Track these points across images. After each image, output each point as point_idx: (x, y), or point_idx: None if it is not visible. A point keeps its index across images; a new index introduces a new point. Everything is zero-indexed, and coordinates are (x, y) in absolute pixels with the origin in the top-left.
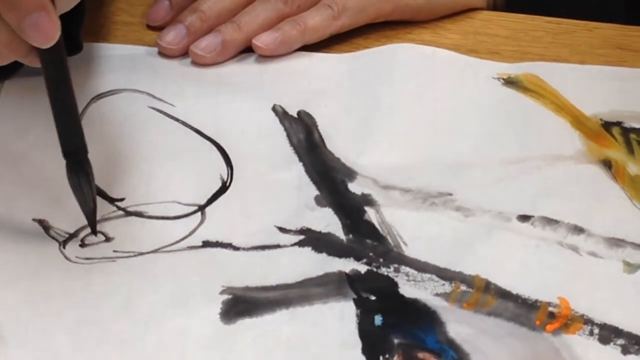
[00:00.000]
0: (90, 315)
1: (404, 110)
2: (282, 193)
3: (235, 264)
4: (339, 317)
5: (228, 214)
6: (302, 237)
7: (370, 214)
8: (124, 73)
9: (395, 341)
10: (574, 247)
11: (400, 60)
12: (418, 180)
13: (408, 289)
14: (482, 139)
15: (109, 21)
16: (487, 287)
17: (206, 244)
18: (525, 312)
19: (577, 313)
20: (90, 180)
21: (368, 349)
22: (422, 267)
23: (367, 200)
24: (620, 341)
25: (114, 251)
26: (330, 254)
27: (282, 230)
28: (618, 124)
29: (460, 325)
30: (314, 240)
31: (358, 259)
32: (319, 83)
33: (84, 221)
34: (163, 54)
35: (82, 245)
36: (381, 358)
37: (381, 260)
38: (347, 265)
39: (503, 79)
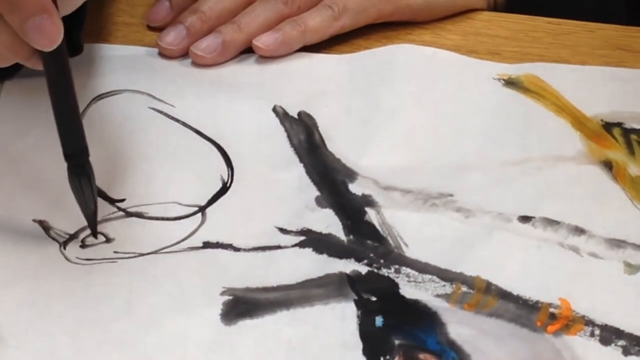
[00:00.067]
0: (91, 316)
1: (405, 111)
2: (282, 194)
3: (235, 265)
4: (340, 318)
5: (228, 215)
6: (302, 238)
7: (371, 214)
8: (125, 74)
9: (396, 342)
10: (575, 248)
11: (401, 61)
12: (419, 181)
13: (409, 290)
14: (482, 139)
15: (109, 22)
16: (488, 288)
17: (207, 245)
18: (526, 313)
19: (578, 314)
20: (91, 183)
21: (369, 350)
22: (422, 268)
23: (368, 201)
24: (621, 342)
25: (115, 252)
26: (331, 254)
27: (283, 231)
28: (619, 124)
29: (461, 326)
30: (314, 241)
31: (359, 260)
32: (320, 84)
33: (84, 222)
34: (163, 54)
35: (83, 246)
36: (382, 359)
37: (382, 261)
38: (348, 266)
39: (503, 79)
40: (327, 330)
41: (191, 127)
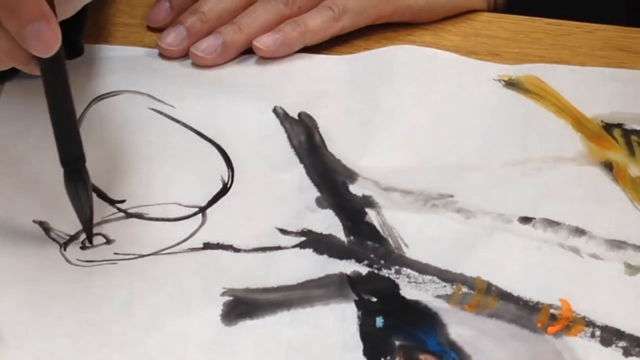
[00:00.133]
0: (91, 318)
1: (405, 112)
2: (283, 195)
3: (236, 266)
4: (340, 319)
5: (229, 215)
6: (303, 238)
7: (372, 215)
8: (125, 74)
9: (397, 343)
10: (575, 249)
11: (401, 61)
12: (419, 182)
13: (409, 291)
14: (482, 140)
15: (109, 23)
16: (489, 289)
17: (207, 246)
18: (527, 314)
19: (579, 315)
20: (87, 189)
21: (369, 350)
22: (423, 268)
23: (368, 202)
24: (622, 343)
25: (115, 253)
26: (331, 255)
27: (283, 232)
28: (619, 125)
29: (461, 327)
30: (315, 242)
31: (359, 260)
32: (320, 85)
33: None
34: (163, 55)
35: (83, 247)
36: None
37: (382, 262)
38: (348, 267)
39: (504, 80)
40: (327, 331)
41: (191, 127)
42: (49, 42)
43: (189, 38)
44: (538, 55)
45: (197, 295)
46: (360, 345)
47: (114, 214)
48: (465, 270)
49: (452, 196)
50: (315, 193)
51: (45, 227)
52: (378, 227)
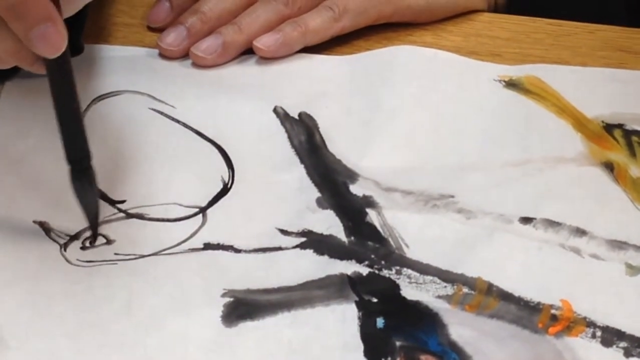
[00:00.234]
0: (91, 318)
1: (405, 112)
2: (283, 195)
3: (236, 267)
4: (341, 320)
5: (229, 216)
6: (303, 239)
7: (372, 216)
8: (125, 74)
9: (397, 343)
10: (576, 249)
11: (402, 62)
12: (420, 182)
13: (410, 291)
14: (483, 141)
15: (109, 23)
16: (489, 290)
17: (207, 246)
18: (528, 314)
19: (580, 315)
20: (93, 187)
21: (370, 351)
22: (424, 269)
23: (369, 202)
24: (623, 344)
25: (115, 254)
26: (331, 256)
27: (284, 232)
28: (620, 126)
29: (462, 327)
30: (315, 242)
31: (360, 261)
32: (320, 85)
33: (85, 223)
34: (163, 55)
35: (83, 247)
36: None
37: (383, 262)
38: (349, 267)
39: (504, 81)
40: (328, 331)
41: (192, 128)
42: (56, 44)
43: (189, 38)
44: (538, 56)
45: (197, 295)
46: (360, 346)
47: (114, 214)
48: (466, 271)
49: (452, 196)
50: (316, 193)
51: (45, 228)
52: (379, 228)
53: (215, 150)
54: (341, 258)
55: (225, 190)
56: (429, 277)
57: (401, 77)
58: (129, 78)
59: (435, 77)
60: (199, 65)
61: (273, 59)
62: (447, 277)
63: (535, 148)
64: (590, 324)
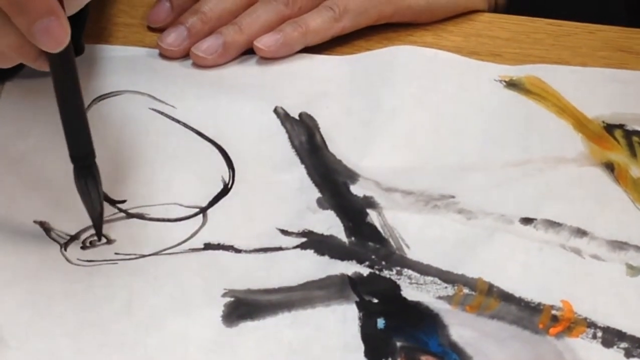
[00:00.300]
0: (91, 318)
1: (406, 113)
2: (284, 195)
3: (237, 267)
4: (342, 320)
5: (230, 216)
6: (304, 239)
7: (373, 216)
8: (125, 74)
9: (398, 344)
10: (577, 250)
11: (402, 62)
12: (420, 182)
13: (410, 292)
14: (484, 141)
15: (109, 23)
16: (490, 290)
17: (208, 247)
18: (528, 315)
19: (580, 316)
20: (97, 184)
21: (370, 352)
22: (424, 269)
23: (369, 202)
24: (624, 344)
25: (115, 253)
26: (332, 256)
27: (284, 232)
28: (620, 126)
29: (463, 328)
30: (316, 242)
31: (360, 261)
32: (321, 85)
33: (85, 223)
34: (164, 55)
35: (84, 247)
36: None
37: (383, 263)
38: (350, 268)
39: (505, 81)
40: (328, 332)
41: (192, 128)
42: (59, 38)
43: (190, 38)
44: (539, 56)
45: (197, 295)
46: (361, 347)
47: (114, 214)
48: (466, 271)
49: (453, 197)
50: (316, 193)
51: (45, 227)
52: (379, 228)
53: (216, 151)
54: (342, 258)
55: (225, 190)
56: (430, 278)
57: (401, 77)
58: (130, 78)
59: (435, 77)
60: (199, 65)
61: (273, 59)
62: (447, 277)
63: (536, 148)
64: (591, 324)
